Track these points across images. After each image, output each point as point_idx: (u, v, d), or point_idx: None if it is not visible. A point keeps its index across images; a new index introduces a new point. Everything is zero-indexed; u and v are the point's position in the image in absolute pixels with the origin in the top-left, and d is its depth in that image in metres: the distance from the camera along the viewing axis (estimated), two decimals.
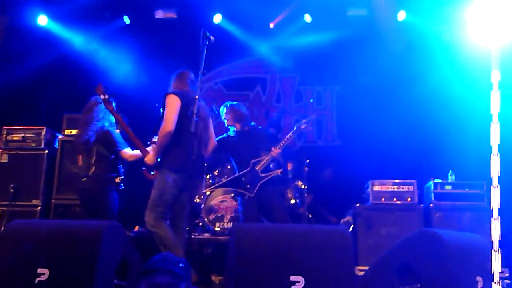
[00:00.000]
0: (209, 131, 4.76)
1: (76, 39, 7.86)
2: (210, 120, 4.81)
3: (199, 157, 4.47)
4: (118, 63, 7.70)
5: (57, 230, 3.06)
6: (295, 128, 5.62)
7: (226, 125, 5.78)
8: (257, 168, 5.47)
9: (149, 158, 4.51)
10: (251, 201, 5.47)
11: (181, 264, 2.17)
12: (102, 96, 4.81)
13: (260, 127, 6.35)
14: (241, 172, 5.56)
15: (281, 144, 5.49)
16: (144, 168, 4.62)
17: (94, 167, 4.86)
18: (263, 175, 5.46)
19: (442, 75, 7.21)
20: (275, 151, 5.44)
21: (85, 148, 4.95)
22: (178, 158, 4.36)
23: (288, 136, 5.55)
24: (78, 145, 4.99)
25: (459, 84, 7.06)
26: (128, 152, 4.92)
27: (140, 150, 4.65)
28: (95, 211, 4.82)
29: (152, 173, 4.54)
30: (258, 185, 5.43)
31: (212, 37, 4.42)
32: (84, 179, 4.88)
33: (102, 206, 4.80)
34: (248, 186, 5.48)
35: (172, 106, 4.33)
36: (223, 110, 5.76)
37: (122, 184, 5.05)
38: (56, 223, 3.15)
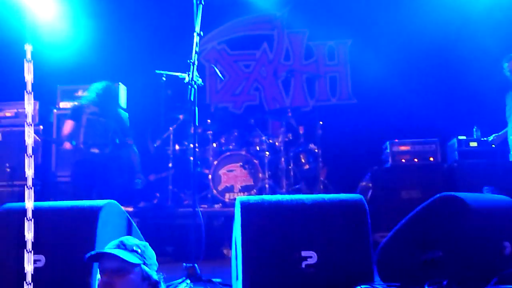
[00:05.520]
0: None
1: None
2: None
3: None
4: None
5: (50, 213, 3.04)
6: None
7: None
8: None
9: None
10: None
11: (135, 248, 2.15)
12: None
13: None
14: None
15: None
16: None
17: None
18: None
19: (464, 25, 6.98)
20: None
21: None
22: None
23: None
24: None
25: (483, 34, 6.83)
26: None
27: None
28: None
29: None
30: None
31: None
32: None
33: None
34: None
35: None
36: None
37: None
38: (49, 206, 3.11)
